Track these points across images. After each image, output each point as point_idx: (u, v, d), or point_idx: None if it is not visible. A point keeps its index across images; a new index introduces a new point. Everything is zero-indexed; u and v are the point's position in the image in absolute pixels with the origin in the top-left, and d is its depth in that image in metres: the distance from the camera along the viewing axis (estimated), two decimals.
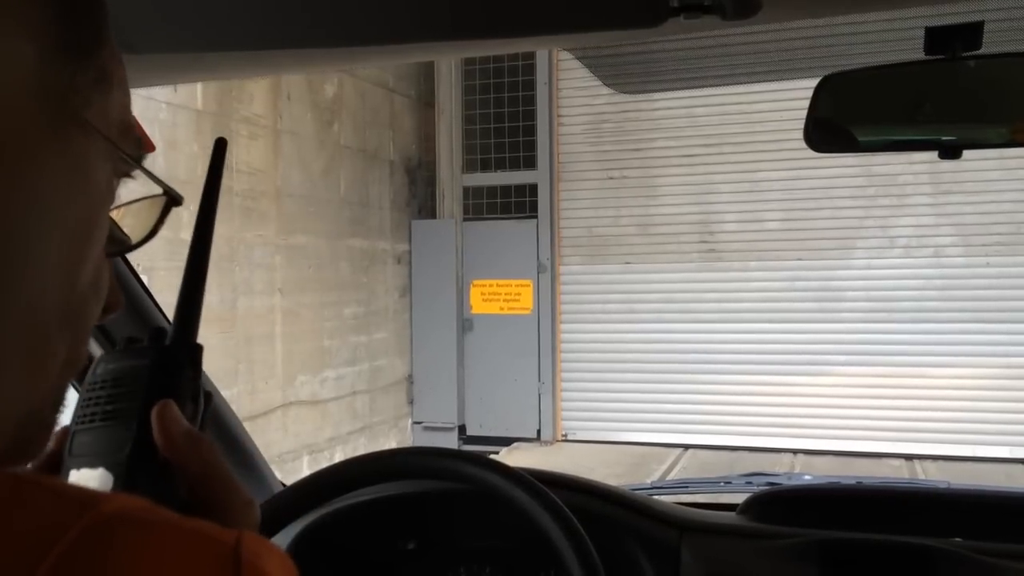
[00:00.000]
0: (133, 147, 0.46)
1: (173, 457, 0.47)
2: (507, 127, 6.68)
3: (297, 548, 1.20)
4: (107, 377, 0.49)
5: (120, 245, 0.49)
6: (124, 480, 0.46)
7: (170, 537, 0.35)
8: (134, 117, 0.46)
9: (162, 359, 0.50)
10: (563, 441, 6.58)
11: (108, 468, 0.46)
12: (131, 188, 0.49)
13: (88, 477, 0.46)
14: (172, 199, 0.48)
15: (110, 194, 0.45)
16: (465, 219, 6.74)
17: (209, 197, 0.56)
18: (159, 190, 0.48)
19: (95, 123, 0.42)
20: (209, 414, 0.53)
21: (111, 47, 0.44)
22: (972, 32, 0.94)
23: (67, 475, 0.47)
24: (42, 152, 0.38)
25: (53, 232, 0.39)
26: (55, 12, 0.39)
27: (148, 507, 0.36)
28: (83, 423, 0.48)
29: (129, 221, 0.49)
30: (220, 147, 0.57)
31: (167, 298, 1.22)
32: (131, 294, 1.13)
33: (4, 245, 0.37)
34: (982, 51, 0.96)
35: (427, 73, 6.81)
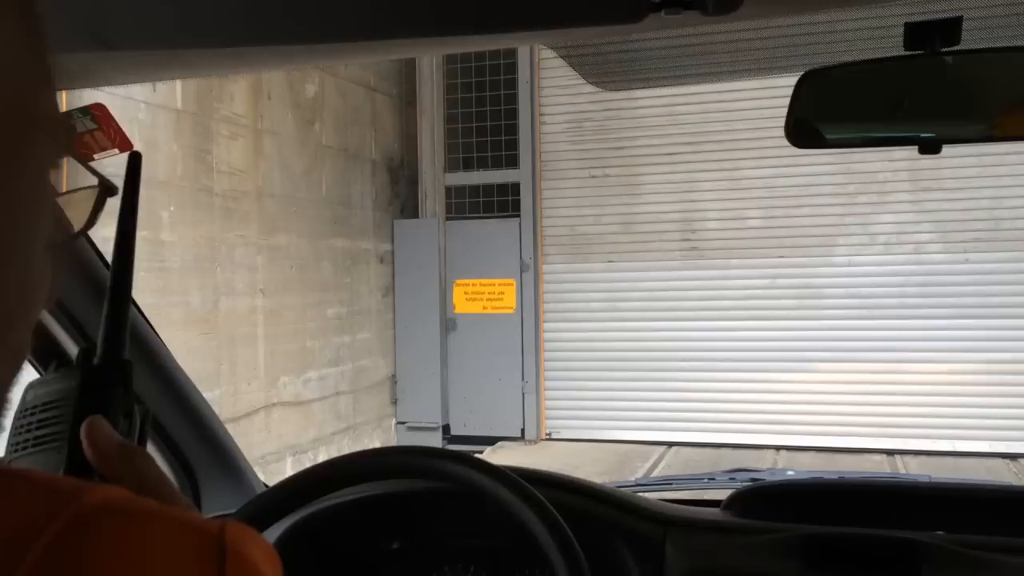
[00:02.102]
0: (67, 138, 0.45)
1: (106, 472, 0.47)
2: (489, 126, 6.67)
3: (282, 548, 1.19)
4: (36, 403, 0.49)
5: (61, 235, 0.48)
6: None
7: (154, 527, 0.35)
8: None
9: (90, 378, 0.50)
10: (547, 440, 6.58)
11: None
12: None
13: None
14: (106, 189, 0.48)
15: (49, 184, 0.44)
16: (448, 218, 6.73)
17: (128, 213, 0.55)
18: (95, 181, 0.48)
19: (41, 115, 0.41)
20: (147, 430, 0.53)
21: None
22: (951, 28, 0.95)
23: None
24: (14, 146, 0.38)
25: (19, 225, 0.39)
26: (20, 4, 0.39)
27: (132, 497, 0.36)
28: (16, 451, 0.48)
29: (68, 212, 0.48)
30: (135, 162, 0.56)
31: (149, 299, 1.21)
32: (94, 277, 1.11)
33: None
34: (961, 47, 0.96)
35: (408, 72, 6.79)
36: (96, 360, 0.52)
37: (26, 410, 0.49)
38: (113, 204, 0.50)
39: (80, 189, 0.48)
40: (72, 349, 1.08)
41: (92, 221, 0.48)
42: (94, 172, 0.47)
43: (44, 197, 0.41)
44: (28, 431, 0.48)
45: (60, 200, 0.47)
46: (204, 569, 0.35)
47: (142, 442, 0.52)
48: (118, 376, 0.52)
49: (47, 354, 1.04)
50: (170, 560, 0.34)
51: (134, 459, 0.47)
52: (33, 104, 0.39)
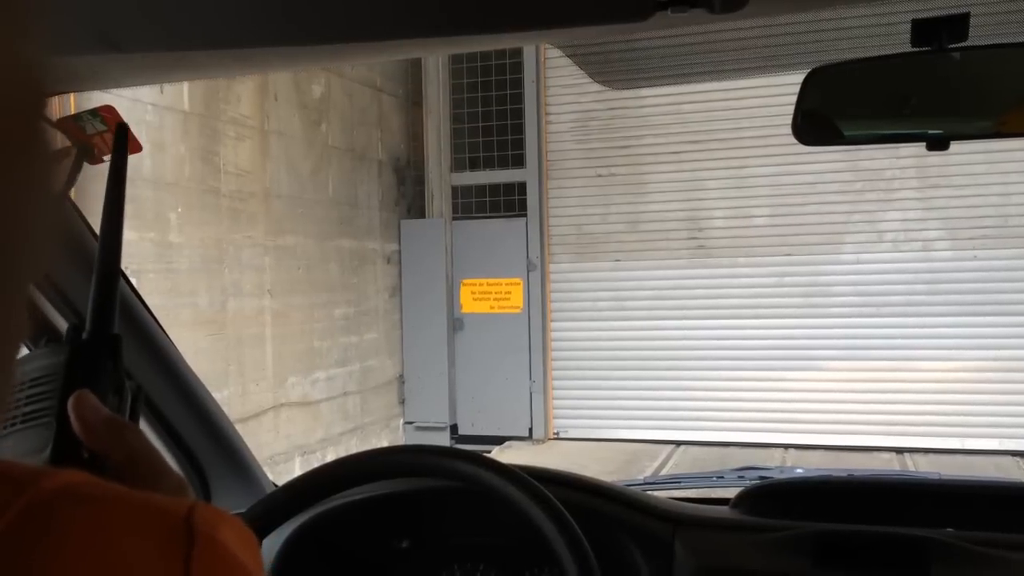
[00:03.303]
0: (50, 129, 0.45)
1: (95, 446, 0.46)
2: (495, 125, 6.67)
3: (291, 548, 1.19)
4: (24, 379, 0.49)
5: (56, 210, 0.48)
6: None
7: (116, 511, 0.34)
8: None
9: (79, 353, 0.50)
10: (555, 439, 6.58)
11: None
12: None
13: None
14: (83, 151, 0.47)
15: (56, 175, 0.44)
16: (454, 218, 6.73)
17: (115, 185, 0.55)
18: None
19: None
20: (139, 406, 0.52)
21: None
22: (958, 24, 0.94)
23: None
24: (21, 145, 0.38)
25: (27, 223, 0.38)
26: None
27: (93, 481, 0.35)
28: (4, 427, 0.47)
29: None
30: (122, 132, 0.56)
31: (158, 300, 1.21)
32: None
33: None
34: (968, 43, 0.96)
35: (415, 72, 6.80)
36: (85, 335, 0.51)
37: (16, 385, 0.49)
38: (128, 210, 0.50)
39: (57, 152, 0.48)
40: (61, 324, 1.07)
41: (71, 182, 0.47)
42: (72, 137, 0.47)
43: (50, 189, 0.41)
44: (17, 407, 0.48)
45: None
46: (168, 553, 0.33)
47: (133, 417, 0.51)
48: (107, 351, 0.51)
49: (36, 330, 1.03)
50: (132, 544, 0.33)
51: (123, 433, 0.47)
52: (39, 93, 0.39)
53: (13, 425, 0.47)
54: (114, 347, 0.51)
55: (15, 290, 0.36)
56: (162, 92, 4.23)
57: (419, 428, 6.62)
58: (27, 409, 0.47)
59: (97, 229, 0.57)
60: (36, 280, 0.39)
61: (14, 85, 0.37)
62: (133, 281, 1.19)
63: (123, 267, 1.14)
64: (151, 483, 0.46)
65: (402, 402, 6.67)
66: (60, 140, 0.48)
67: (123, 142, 0.56)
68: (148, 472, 0.47)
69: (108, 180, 0.55)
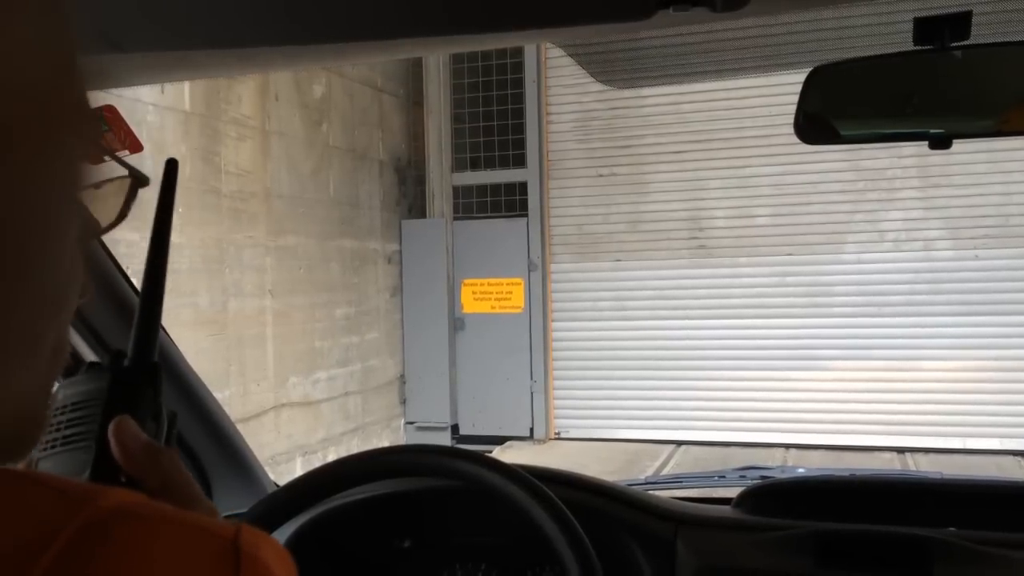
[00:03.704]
0: (96, 130, 0.45)
1: (133, 471, 0.47)
2: (496, 125, 6.67)
3: (292, 547, 1.19)
4: (66, 403, 0.50)
5: (92, 230, 0.48)
6: None
7: (168, 530, 0.35)
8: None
9: (120, 380, 0.51)
10: (556, 439, 6.58)
11: None
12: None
13: None
14: (137, 180, 0.48)
15: (80, 177, 0.44)
16: (455, 218, 6.73)
17: (163, 218, 0.56)
18: (123, 172, 0.48)
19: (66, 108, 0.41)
20: (174, 433, 0.54)
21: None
22: (960, 22, 0.94)
23: None
24: (47, 140, 0.38)
25: (52, 219, 0.39)
26: None
27: (146, 502, 0.37)
28: (44, 450, 0.48)
29: (97, 206, 0.49)
30: (171, 168, 0.57)
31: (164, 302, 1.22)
32: (123, 299, 1.12)
33: (22, 237, 0.36)
34: (971, 41, 0.96)
35: (415, 72, 6.80)
36: (126, 362, 0.53)
37: (56, 409, 0.50)
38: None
39: (110, 180, 0.48)
40: (85, 353, 1.08)
41: (124, 213, 0.48)
42: (123, 164, 0.47)
43: (73, 193, 0.41)
44: (57, 430, 0.49)
45: (90, 194, 0.47)
46: (219, 572, 0.35)
47: (168, 444, 0.53)
48: (147, 379, 0.52)
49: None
50: (184, 563, 0.34)
51: (160, 460, 0.48)
52: (58, 97, 0.38)
53: (54, 447, 0.48)
54: (154, 376, 0.53)
55: (23, 290, 0.36)
56: (163, 92, 4.24)
57: (420, 428, 6.62)
58: (68, 432, 0.48)
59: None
60: (63, 295, 0.40)
61: (43, 81, 0.37)
62: (134, 281, 1.19)
63: (124, 267, 1.14)
64: (186, 508, 0.48)
65: (403, 402, 6.67)
66: (109, 170, 0.48)
67: (172, 177, 0.57)
68: (182, 498, 0.48)
69: (156, 212, 0.56)
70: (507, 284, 6.59)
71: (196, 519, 0.37)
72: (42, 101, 0.37)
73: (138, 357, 0.53)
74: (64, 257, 0.40)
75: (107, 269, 1.09)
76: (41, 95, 0.37)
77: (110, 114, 0.89)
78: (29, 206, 0.36)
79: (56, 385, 0.51)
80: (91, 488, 0.36)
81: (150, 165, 0.56)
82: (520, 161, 6.61)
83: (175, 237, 4.68)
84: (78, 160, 0.41)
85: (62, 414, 0.49)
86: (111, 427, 0.47)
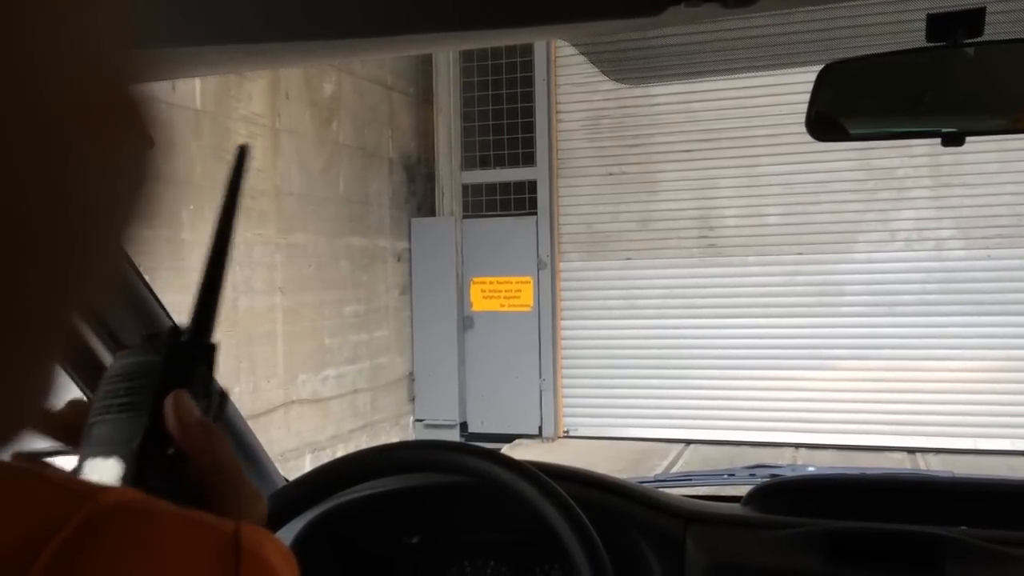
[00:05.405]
0: (142, 123, 0.45)
1: (185, 446, 0.48)
2: (506, 124, 6.67)
3: (301, 543, 1.19)
4: (123, 371, 0.51)
5: (130, 226, 0.48)
6: (134, 469, 0.47)
7: (169, 526, 0.35)
8: None
9: (176, 354, 0.52)
10: (565, 437, 6.58)
11: (120, 457, 0.47)
12: None
13: (101, 465, 0.47)
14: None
15: (138, 172, 0.44)
16: (464, 216, 6.74)
17: (230, 197, 0.57)
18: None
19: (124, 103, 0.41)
20: (224, 413, 0.54)
21: None
22: (974, 18, 0.94)
23: (83, 463, 0.48)
24: (98, 135, 0.37)
25: (99, 214, 0.38)
26: None
27: (146, 498, 0.36)
28: (100, 414, 0.49)
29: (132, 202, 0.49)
30: (243, 153, 0.59)
31: (170, 298, 1.22)
32: (136, 295, 1.12)
33: (67, 233, 0.36)
34: (984, 38, 0.95)
35: (425, 70, 6.80)
36: (184, 337, 0.53)
37: (114, 376, 0.51)
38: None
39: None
40: (103, 353, 1.08)
41: (153, 210, 0.48)
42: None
43: (120, 189, 0.41)
44: (114, 396, 0.50)
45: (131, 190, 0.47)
46: (218, 568, 0.35)
47: (217, 423, 0.53)
48: (203, 356, 0.53)
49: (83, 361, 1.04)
50: (185, 559, 0.34)
51: (213, 438, 0.49)
52: (115, 91, 0.38)
53: (108, 412, 0.49)
54: (210, 353, 0.54)
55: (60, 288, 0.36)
56: (174, 90, 4.25)
57: (429, 426, 6.63)
58: (123, 400, 0.49)
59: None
60: (94, 276, 0.39)
61: (92, 73, 0.36)
62: (146, 278, 1.19)
63: (137, 264, 1.15)
64: (231, 490, 0.49)
65: (412, 400, 6.68)
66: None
67: (243, 160, 0.58)
68: (229, 478, 0.49)
69: (225, 192, 0.58)
70: (516, 282, 6.59)
71: (197, 516, 0.37)
72: (98, 92, 0.37)
73: (196, 334, 0.54)
74: (108, 254, 0.40)
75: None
76: (86, 87, 0.37)
77: None
78: (84, 199, 0.36)
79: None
80: (92, 485, 0.37)
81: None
82: (530, 160, 6.61)
83: (187, 234, 4.68)
84: (129, 155, 0.41)
85: (120, 381, 0.50)
86: (169, 400, 0.48)
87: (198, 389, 0.51)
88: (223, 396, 0.55)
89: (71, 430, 0.50)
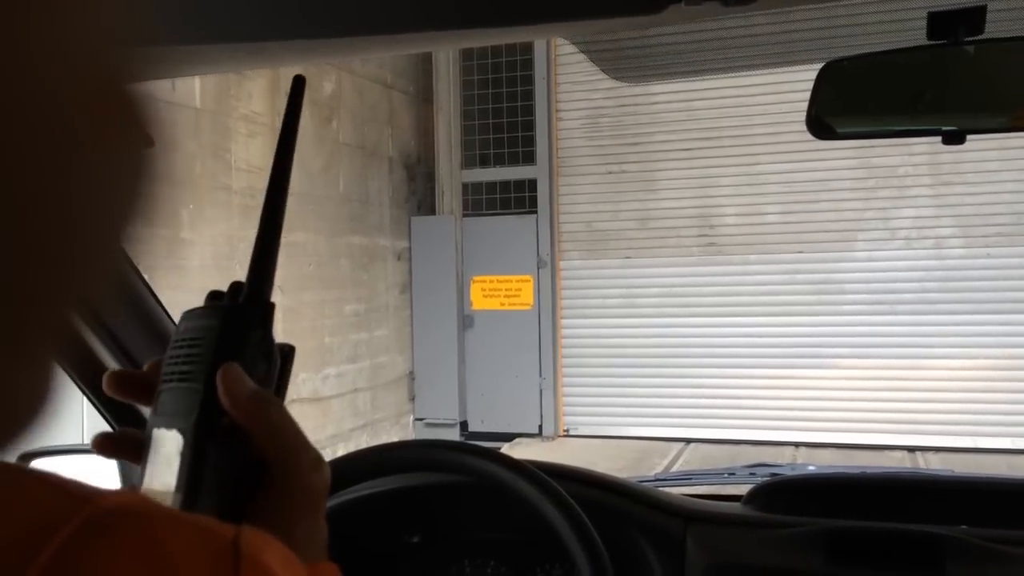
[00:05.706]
0: (145, 123, 0.45)
1: (239, 419, 0.48)
2: (506, 122, 6.67)
3: None
4: (185, 336, 0.50)
5: (132, 224, 0.48)
6: (192, 443, 0.47)
7: (168, 530, 0.35)
8: None
9: (231, 319, 0.51)
10: (565, 436, 6.58)
11: (180, 431, 0.47)
12: None
13: (165, 437, 0.48)
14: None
15: (131, 171, 0.44)
16: (464, 215, 6.74)
17: (287, 135, 0.55)
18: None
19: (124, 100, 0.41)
20: (289, 369, 0.53)
21: None
22: (975, 16, 0.94)
23: (151, 432, 0.48)
24: (104, 133, 0.37)
25: (105, 212, 0.38)
26: None
27: (146, 501, 0.37)
28: (166, 381, 0.49)
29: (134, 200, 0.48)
30: (299, 84, 0.54)
31: (166, 297, 1.22)
32: (136, 294, 1.12)
33: (73, 230, 0.36)
34: (985, 36, 0.95)
35: (425, 69, 6.80)
36: (241, 299, 0.52)
37: (178, 341, 0.50)
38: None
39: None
40: (103, 353, 1.08)
41: (153, 209, 0.47)
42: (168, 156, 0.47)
43: (124, 186, 0.40)
44: (176, 363, 0.49)
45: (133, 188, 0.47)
46: (217, 572, 0.34)
47: (282, 383, 0.52)
48: (258, 317, 0.52)
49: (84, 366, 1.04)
50: (184, 563, 0.34)
51: (267, 408, 0.49)
52: (115, 90, 0.38)
53: (170, 381, 0.49)
54: (266, 313, 0.52)
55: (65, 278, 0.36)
56: (174, 89, 4.25)
57: (429, 424, 6.63)
58: (184, 368, 0.49)
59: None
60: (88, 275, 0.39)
61: (93, 70, 0.36)
62: (145, 276, 1.19)
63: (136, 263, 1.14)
64: (290, 458, 0.48)
65: (412, 399, 6.68)
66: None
67: (300, 91, 0.54)
68: (289, 445, 0.49)
69: (280, 137, 0.54)
70: (516, 281, 6.59)
71: (197, 520, 0.37)
72: (106, 91, 0.37)
73: (251, 295, 0.53)
74: (108, 253, 0.40)
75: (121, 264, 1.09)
76: (106, 84, 0.36)
77: None
78: (84, 198, 0.36)
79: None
80: (91, 488, 0.36)
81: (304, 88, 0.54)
82: (530, 158, 6.61)
83: (186, 233, 4.68)
84: (130, 153, 0.41)
85: (180, 347, 0.50)
86: (219, 374, 0.48)
87: (253, 355, 0.50)
88: (286, 356, 0.53)
89: (152, 390, 0.50)
